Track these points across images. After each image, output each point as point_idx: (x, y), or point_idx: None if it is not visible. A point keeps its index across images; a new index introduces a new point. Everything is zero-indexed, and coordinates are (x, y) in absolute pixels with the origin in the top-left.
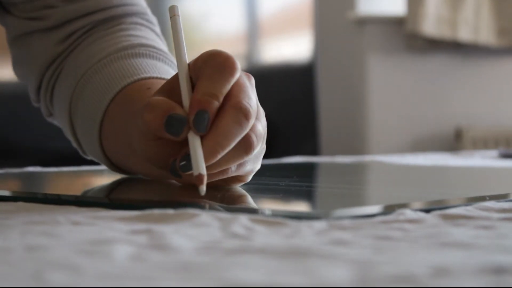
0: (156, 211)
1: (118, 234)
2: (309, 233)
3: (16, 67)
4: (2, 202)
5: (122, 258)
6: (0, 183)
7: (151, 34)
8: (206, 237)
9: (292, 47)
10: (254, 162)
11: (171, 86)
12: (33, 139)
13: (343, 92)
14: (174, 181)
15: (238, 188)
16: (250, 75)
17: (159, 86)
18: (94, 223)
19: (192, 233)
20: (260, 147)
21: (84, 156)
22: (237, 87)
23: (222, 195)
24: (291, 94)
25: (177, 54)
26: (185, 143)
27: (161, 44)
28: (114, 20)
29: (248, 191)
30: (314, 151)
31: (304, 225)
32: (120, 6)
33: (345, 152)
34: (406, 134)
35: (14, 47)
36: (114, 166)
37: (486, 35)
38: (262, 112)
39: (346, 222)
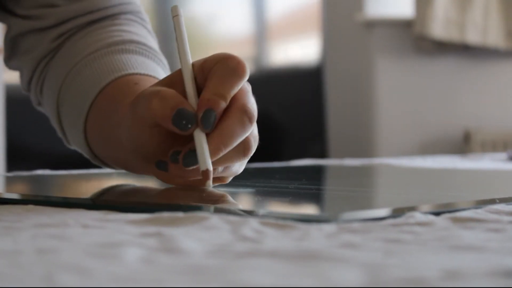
0: (166, 214)
1: (128, 237)
2: (319, 236)
3: (8, 60)
4: (12, 205)
5: (132, 261)
6: (10, 186)
7: (142, 31)
8: (216, 240)
9: (300, 49)
10: (239, 166)
11: (171, 81)
12: (42, 143)
13: (351, 95)
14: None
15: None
16: (247, 82)
17: (147, 82)
18: (104, 226)
19: (202, 236)
20: (254, 151)
21: (68, 146)
22: (242, 91)
23: (202, 195)
24: (299, 97)
25: (180, 54)
26: (176, 136)
27: (151, 41)
28: (109, 18)
29: (257, 194)
30: (322, 154)
31: (313, 228)
32: (117, 6)
33: (353, 155)
34: (415, 136)
35: (10, 44)
36: (97, 158)
37: (494, 37)
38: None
39: (356, 225)
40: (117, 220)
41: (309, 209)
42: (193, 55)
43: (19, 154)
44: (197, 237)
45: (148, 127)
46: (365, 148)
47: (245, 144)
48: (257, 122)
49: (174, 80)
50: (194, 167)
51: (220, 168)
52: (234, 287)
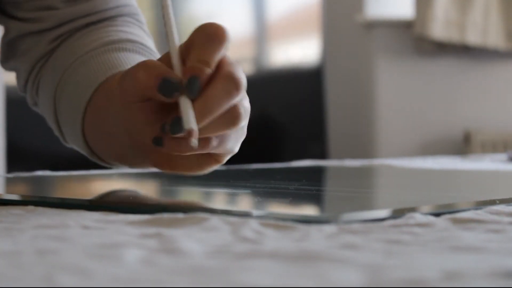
0: (166, 215)
1: (128, 238)
2: (319, 237)
3: (4, 62)
4: (12, 206)
5: (133, 262)
6: (10, 187)
7: (139, 31)
8: (216, 241)
9: (300, 50)
10: (234, 142)
11: (162, 60)
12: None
13: (351, 96)
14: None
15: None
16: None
17: None
18: (104, 227)
19: (202, 237)
20: (245, 122)
21: (65, 144)
22: (228, 60)
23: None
24: (299, 97)
25: (167, 30)
26: (165, 113)
27: (148, 41)
28: (106, 20)
29: (257, 194)
30: (323, 154)
31: (314, 229)
32: (114, 8)
33: (354, 155)
34: (415, 137)
35: (7, 47)
36: (94, 155)
37: (494, 38)
38: (247, 96)
39: (356, 226)
40: (117, 221)
41: (309, 210)
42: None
43: (19, 155)
44: (197, 238)
45: (135, 102)
46: (365, 149)
47: (233, 112)
48: (257, 122)
49: (164, 60)
50: (182, 134)
51: (214, 142)
52: (234, 287)
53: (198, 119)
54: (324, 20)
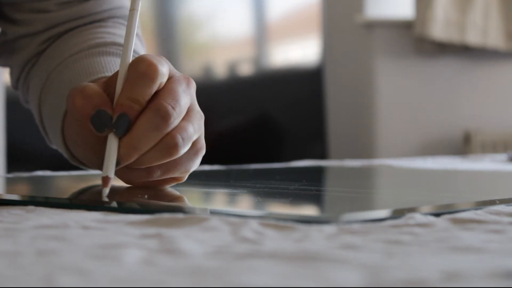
0: (166, 215)
1: (128, 238)
2: (319, 237)
3: None
4: (12, 206)
5: (133, 262)
6: (10, 187)
7: None
8: (216, 241)
9: (300, 50)
10: (187, 164)
11: (111, 80)
12: (42, 144)
13: (351, 96)
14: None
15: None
16: (190, 79)
17: None
18: (104, 227)
19: (202, 237)
20: (186, 148)
21: (50, 145)
22: (164, 91)
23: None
24: (299, 98)
25: (123, 51)
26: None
27: (137, 44)
28: (98, 22)
29: (257, 194)
30: (323, 155)
31: (314, 229)
32: (107, 11)
33: (354, 156)
34: (415, 137)
35: (2, 45)
36: (75, 158)
37: (494, 38)
38: (197, 115)
39: (356, 226)
40: (117, 221)
41: (309, 210)
42: (193, 57)
43: (19, 155)
44: (197, 238)
45: (76, 120)
46: (365, 149)
47: (168, 142)
48: (258, 123)
49: (114, 79)
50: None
51: (157, 172)
52: (234, 287)
53: (125, 158)
54: (324, 20)
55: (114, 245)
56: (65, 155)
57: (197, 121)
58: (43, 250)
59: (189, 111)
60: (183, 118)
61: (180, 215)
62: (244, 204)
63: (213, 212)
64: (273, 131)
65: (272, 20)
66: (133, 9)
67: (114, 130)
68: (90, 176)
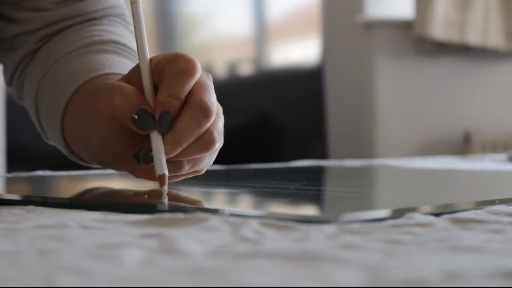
0: (166, 215)
1: (128, 238)
2: (319, 237)
3: None
4: (12, 206)
5: (133, 262)
6: (10, 187)
7: (125, 31)
8: (216, 241)
9: (300, 50)
10: (209, 159)
11: (130, 76)
12: (42, 143)
13: (351, 96)
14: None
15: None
16: (209, 74)
17: None
18: (104, 227)
19: (202, 237)
20: (220, 143)
21: (46, 141)
22: (199, 86)
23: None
24: (299, 98)
25: (139, 47)
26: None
27: (132, 42)
28: (93, 20)
29: (257, 194)
30: (323, 154)
31: (314, 229)
32: (102, 9)
33: (354, 156)
34: (415, 137)
35: None
36: (74, 155)
37: (494, 38)
38: (221, 109)
39: (356, 226)
40: (117, 221)
41: (310, 210)
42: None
43: (19, 155)
44: (197, 238)
45: (106, 118)
46: (365, 149)
47: (206, 138)
48: (258, 123)
49: (133, 75)
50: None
51: (187, 166)
52: (234, 287)
53: (169, 151)
54: (324, 20)
55: (114, 245)
56: (64, 151)
57: (222, 116)
58: (43, 249)
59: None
60: None
61: (180, 215)
62: (244, 204)
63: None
64: (273, 131)
65: (272, 20)
66: (134, 1)
67: (157, 127)
68: (90, 176)
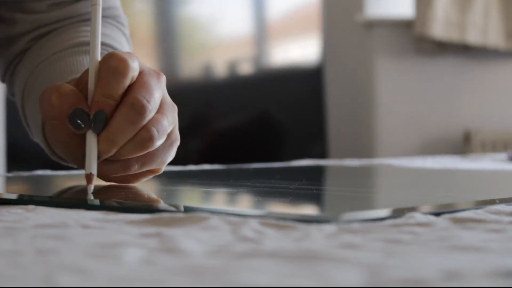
0: (166, 215)
1: (128, 238)
2: (319, 237)
3: None
4: (12, 205)
5: (133, 261)
6: (10, 187)
7: (116, 33)
8: (216, 240)
9: (300, 50)
10: (163, 155)
11: (82, 78)
12: None
13: (351, 95)
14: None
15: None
16: (160, 73)
17: None
18: (104, 226)
19: (202, 236)
20: (162, 141)
21: (33, 139)
22: (138, 84)
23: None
24: (299, 97)
25: (91, 48)
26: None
27: (123, 44)
28: (87, 21)
29: (257, 194)
30: (322, 154)
31: (314, 229)
32: None
33: (353, 155)
34: (415, 137)
35: None
36: (55, 155)
37: (494, 37)
38: (171, 107)
39: (356, 226)
40: (117, 220)
41: (309, 210)
42: (193, 56)
43: (19, 155)
44: (197, 237)
45: (50, 118)
46: (365, 149)
47: (142, 135)
48: (258, 122)
49: (84, 77)
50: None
51: (136, 165)
52: (234, 287)
53: (104, 151)
54: (324, 20)
55: (114, 244)
56: (46, 150)
57: (171, 113)
58: (43, 249)
59: (162, 103)
60: (157, 111)
61: (180, 214)
62: (244, 203)
63: (214, 212)
64: (273, 130)
65: (272, 19)
66: (95, 4)
67: (92, 126)
68: None
